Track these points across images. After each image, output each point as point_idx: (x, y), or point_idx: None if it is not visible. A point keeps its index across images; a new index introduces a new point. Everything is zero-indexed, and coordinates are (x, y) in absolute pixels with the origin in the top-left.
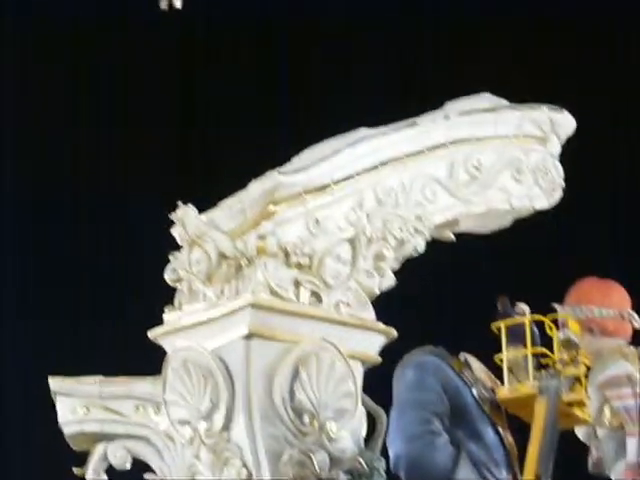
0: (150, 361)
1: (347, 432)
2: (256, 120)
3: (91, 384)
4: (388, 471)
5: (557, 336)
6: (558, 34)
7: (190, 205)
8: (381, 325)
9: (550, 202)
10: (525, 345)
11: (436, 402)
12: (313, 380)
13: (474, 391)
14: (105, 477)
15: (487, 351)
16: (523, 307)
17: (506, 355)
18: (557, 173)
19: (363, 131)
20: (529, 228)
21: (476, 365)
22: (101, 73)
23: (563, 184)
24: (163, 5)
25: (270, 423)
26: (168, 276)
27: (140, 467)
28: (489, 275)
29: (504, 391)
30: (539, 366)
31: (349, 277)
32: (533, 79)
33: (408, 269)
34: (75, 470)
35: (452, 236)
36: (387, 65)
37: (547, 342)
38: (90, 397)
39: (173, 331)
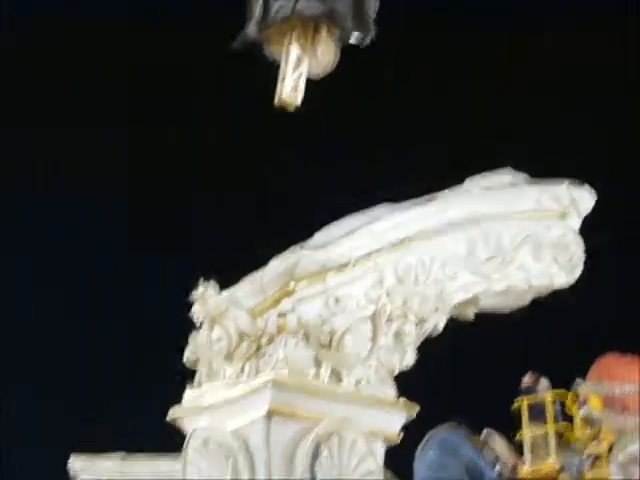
0: (172, 440)
1: None
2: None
3: (113, 461)
4: None
5: (579, 413)
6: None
7: (211, 282)
8: (402, 402)
9: (569, 279)
10: (547, 422)
11: None
12: (334, 459)
13: (496, 469)
14: None
15: (510, 428)
16: (545, 383)
17: (527, 432)
18: (578, 248)
19: (384, 207)
20: (552, 304)
21: (498, 442)
22: None
23: (583, 259)
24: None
25: None
26: (187, 357)
27: None
28: (512, 352)
29: (526, 469)
30: (561, 443)
31: (370, 355)
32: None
33: (431, 347)
34: None
35: (472, 315)
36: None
37: (570, 419)
38: (112, 474)
39: (193, 410)
